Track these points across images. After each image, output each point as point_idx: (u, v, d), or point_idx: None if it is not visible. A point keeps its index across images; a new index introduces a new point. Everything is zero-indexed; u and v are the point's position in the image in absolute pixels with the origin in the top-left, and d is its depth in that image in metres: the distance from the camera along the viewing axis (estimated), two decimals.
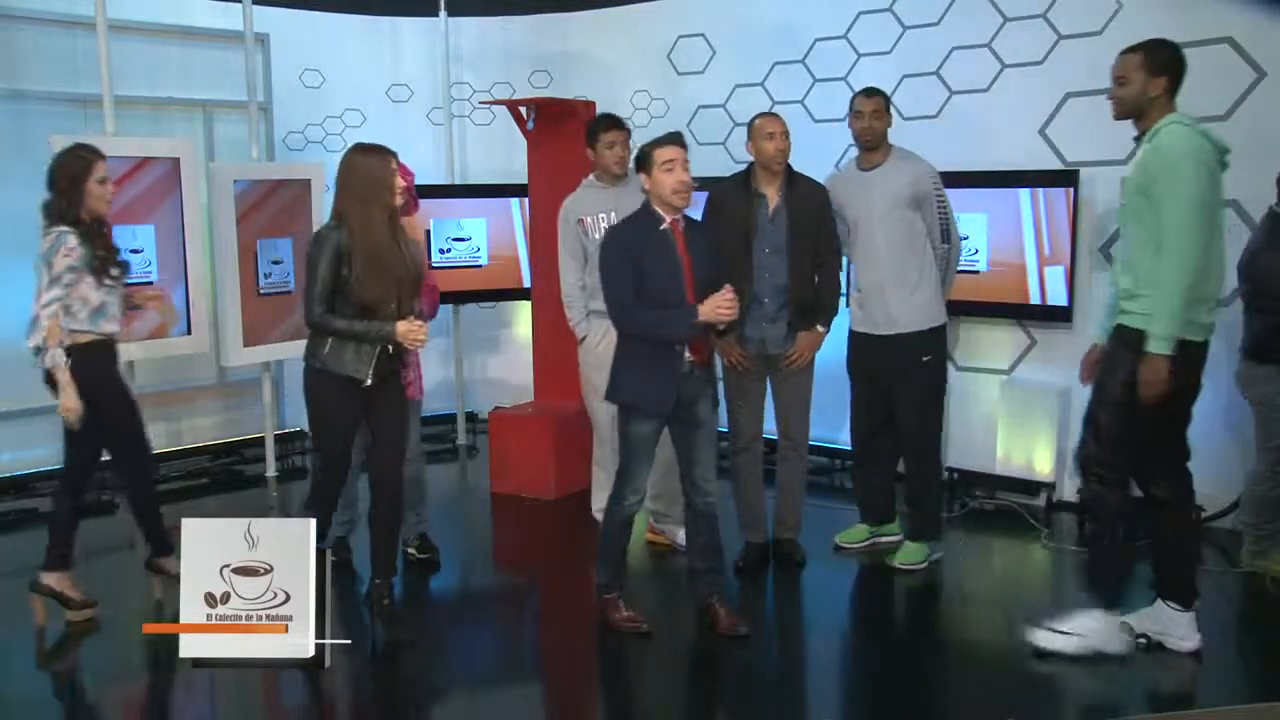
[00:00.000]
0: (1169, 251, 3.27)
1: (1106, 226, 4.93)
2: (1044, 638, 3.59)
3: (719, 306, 3.52)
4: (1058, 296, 5.06)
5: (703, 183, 4.16)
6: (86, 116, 5.73)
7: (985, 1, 5.29)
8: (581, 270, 4.56)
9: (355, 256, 3.51)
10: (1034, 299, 5.13)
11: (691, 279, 3.61)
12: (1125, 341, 3.42)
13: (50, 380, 3.85)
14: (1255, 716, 3.15)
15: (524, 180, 5.75)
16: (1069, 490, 5.18)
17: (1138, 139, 3.50)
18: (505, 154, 6.62)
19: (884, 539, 4.67)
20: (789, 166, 4.35)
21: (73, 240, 3.81)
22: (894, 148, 4.39)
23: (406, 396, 3.97)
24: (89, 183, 3.87)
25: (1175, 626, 3.56)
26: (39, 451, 5.71)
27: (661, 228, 3.64)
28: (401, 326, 3.57)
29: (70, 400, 3.78)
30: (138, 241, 5.31)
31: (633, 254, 3.61)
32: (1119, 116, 3.53)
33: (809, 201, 4.29)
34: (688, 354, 3.64)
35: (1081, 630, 3.55)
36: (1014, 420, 5.27)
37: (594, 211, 4.51)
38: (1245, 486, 4.39)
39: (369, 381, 3.63)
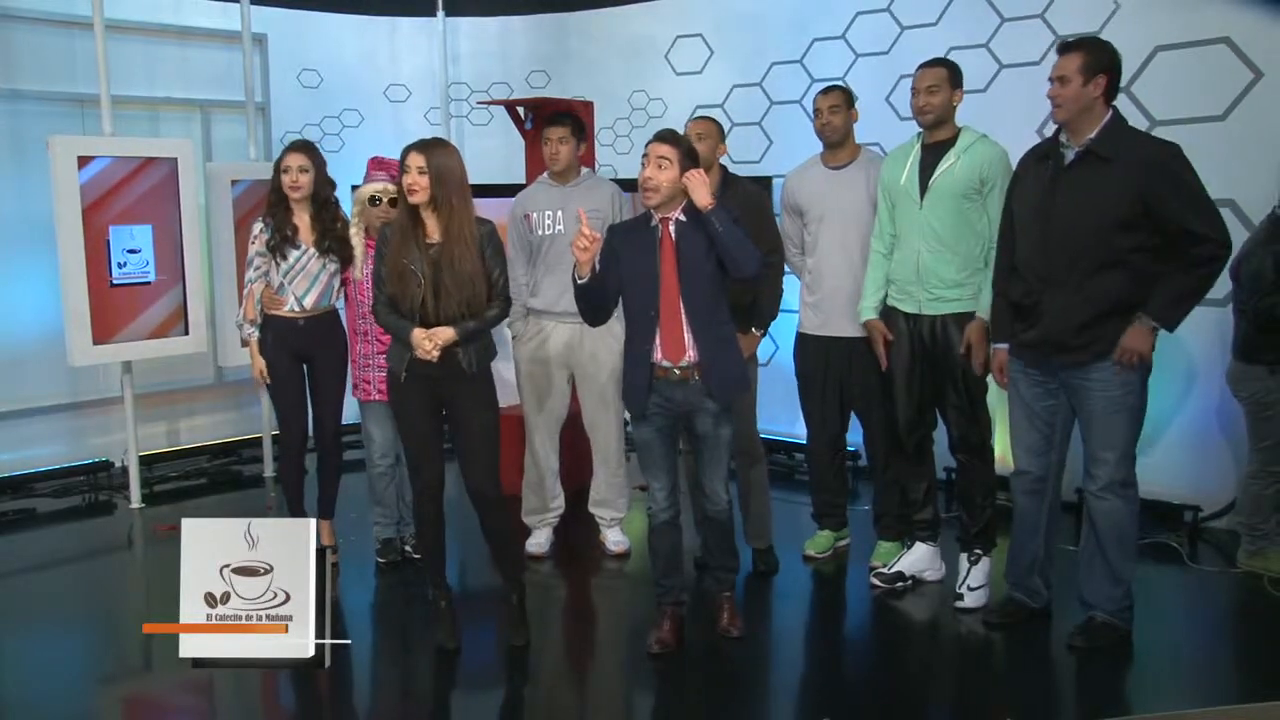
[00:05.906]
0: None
1: None
2: (968, 598, 3.99)
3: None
4: None
5: None
6: (84, 116, 5.72)
7: (983, 1, 5.30)
8: (527, 266, 4.52)
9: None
10: None
11: (678, 282, 3.43)
12: (959, 325, 3.93)
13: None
14: (1255, 716, 3.16)
15: (522, 180, 5.73)
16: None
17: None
18: (503, 154, 6.61)
19: (842, 543, 4.63)
20: (724, 169, 4.31)
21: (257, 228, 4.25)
22: (861, 148, 4.34)
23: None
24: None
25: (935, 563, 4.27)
26: (39, 451, 5.70)
27: (651, 224, 3.51)
28: (417, 333, 3.49)
29: None
30: (135, 241, 5.31)
31: (613, 248, 3.52)
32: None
33: (744, 204, 4.11)
34: (662, 357, 3.48)
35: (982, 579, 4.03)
36: None
37: (541, 208, 4.47)
38: (1240, 486, 4.40)
39: (402, 377, 3.58)
